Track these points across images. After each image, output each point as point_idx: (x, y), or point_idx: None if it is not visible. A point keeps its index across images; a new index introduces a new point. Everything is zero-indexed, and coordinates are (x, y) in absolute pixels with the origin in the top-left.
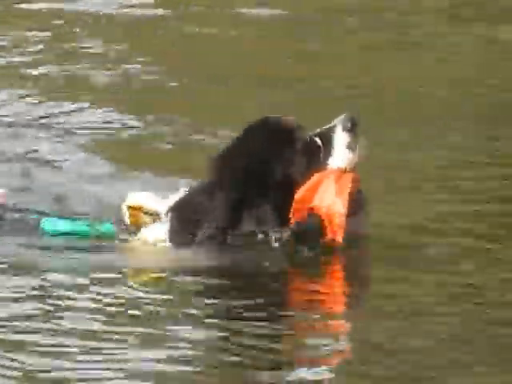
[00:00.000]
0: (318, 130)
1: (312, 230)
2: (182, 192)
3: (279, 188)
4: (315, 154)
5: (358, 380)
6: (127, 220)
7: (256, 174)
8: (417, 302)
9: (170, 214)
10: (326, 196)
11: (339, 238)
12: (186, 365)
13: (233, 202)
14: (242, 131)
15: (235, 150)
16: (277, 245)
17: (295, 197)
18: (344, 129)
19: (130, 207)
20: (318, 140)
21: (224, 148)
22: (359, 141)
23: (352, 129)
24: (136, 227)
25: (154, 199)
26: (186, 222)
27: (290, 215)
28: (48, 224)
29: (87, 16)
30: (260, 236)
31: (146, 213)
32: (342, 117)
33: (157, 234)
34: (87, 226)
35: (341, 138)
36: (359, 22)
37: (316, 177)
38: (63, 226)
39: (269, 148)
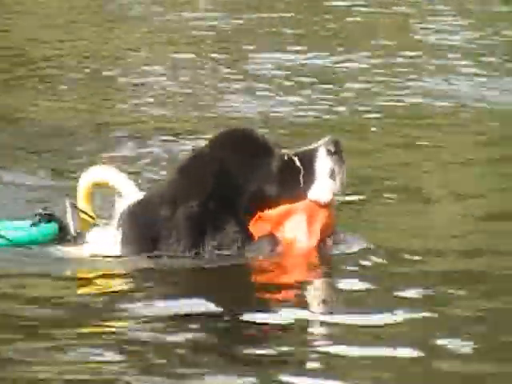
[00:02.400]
0: (298, 150)
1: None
2: (135, 195)
3: (249, 204)
4: (293, 175)
5: None
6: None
7: (225, 186)
8: None
9: (122, 222)
10: (294, 230)
11: None
12: None
13: (196, 220)
14: (212, 138)
15: (203, 157)
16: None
17: (262, 213)
18: (328, 152)
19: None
20: (296, 160)
21: (190, 154)
22: (343, 167)
23: (336, 153)
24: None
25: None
26: (141, 235)
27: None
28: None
29: None
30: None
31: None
32: (325, 139)
33: (106, 243)
34: None
35: (324, 162)
36: None
37: (288, 206)
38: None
39: (243, 158)
